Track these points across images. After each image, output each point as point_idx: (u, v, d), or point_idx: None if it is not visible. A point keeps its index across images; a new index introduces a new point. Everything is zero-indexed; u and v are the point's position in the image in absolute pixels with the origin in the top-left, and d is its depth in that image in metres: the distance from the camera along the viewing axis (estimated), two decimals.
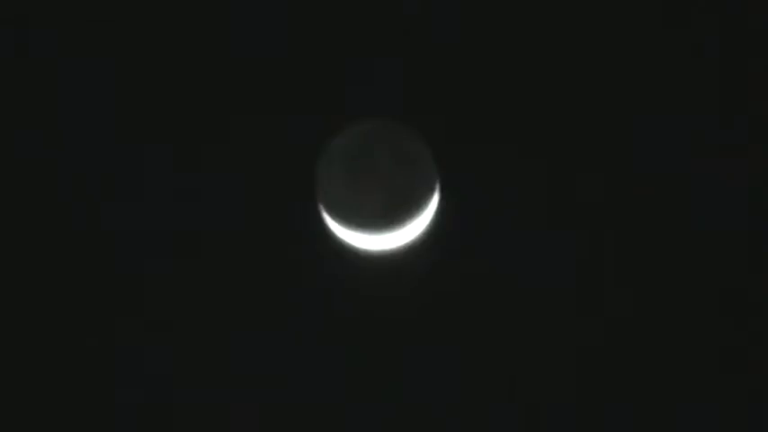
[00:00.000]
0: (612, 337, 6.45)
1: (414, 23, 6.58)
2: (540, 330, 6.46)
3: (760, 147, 6.46)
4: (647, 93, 6.52)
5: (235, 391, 6.48)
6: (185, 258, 6.52)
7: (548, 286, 6.46)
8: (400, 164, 6.25)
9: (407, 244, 6.43)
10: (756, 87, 6.46)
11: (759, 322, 6.39)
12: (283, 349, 6.49)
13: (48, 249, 6.50)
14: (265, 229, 6.50)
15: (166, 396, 6.48)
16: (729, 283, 6.43)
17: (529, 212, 6.48)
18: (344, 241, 6.45)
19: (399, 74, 6.54)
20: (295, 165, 6.49)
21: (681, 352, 6.44)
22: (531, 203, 6.48)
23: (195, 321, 6.50)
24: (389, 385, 6.47)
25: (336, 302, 6.49)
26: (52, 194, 6.53)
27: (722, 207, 6.45)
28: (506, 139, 6.50)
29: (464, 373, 6.46)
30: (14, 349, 6.45)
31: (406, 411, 6.47)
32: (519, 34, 6.55)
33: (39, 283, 6.49)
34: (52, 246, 6.50)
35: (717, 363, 6.41)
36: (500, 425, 6.45)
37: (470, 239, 6.48)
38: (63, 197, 6.52)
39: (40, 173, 6.53)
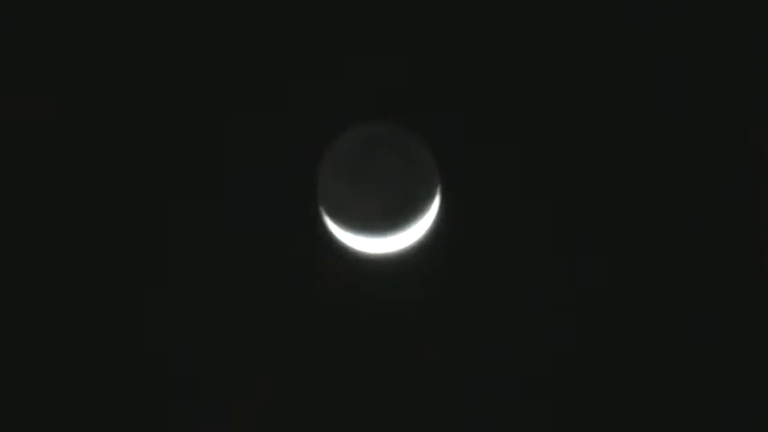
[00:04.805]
0: (611, 336, 6.47)
1: (414, 23, 6.56)
2: (540, 331, 6.48)
3: None
4: (645, 98, 6.54)
5: (234, 391, 6.49)
6: (186, 258, 6.52)
7: (549, 287, 6.47)
8: (401, 166, 6.24)
9: (409, 246, 6.42)
10: None
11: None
12: (283, 350, 6.50)
13: None
14: (266, 231, 6.50)
15: (166, 397, 6.48)
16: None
17: (530, 214, 6.48)
18: (345, 244, 6.44)
19: (399, 74, 6.52)
20: (296, 167, 6.48)
21: (680, 351, 6.48)
22: (532, 205, 6.48)
23: (195, 322, 6.50)
24: (390, 387, 6.48)
25: (337, 305, 6.49)
26: None
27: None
28: (508, 141, 6.50)
29: (465, 375, 6.48)
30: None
31: (408, 412, 6.48)
32: (520, 34, 6.55)
33: None
34: None
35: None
36: (500, 424, 6.47)
37: (472, 241, 6.49)
38: None
39: None
